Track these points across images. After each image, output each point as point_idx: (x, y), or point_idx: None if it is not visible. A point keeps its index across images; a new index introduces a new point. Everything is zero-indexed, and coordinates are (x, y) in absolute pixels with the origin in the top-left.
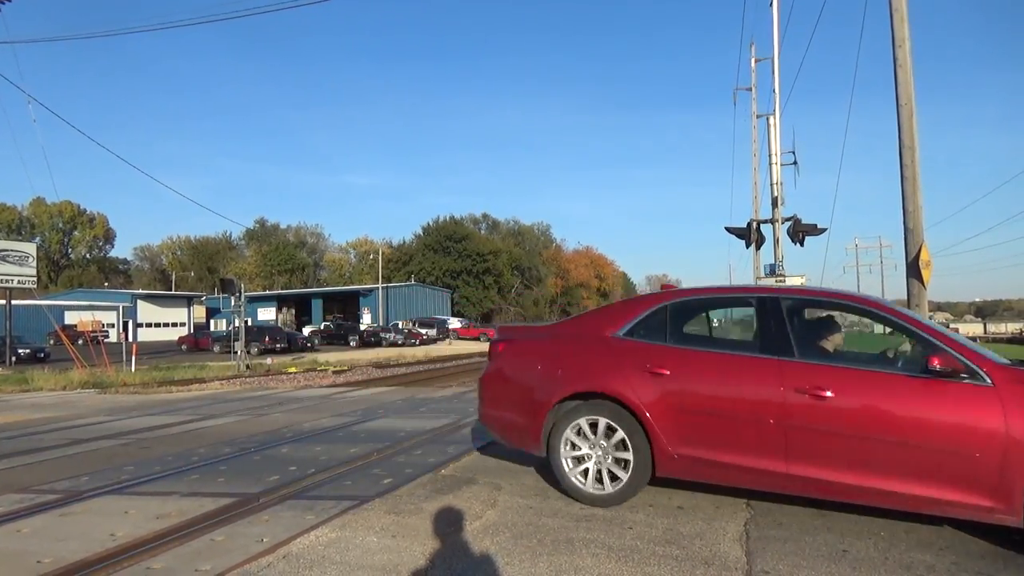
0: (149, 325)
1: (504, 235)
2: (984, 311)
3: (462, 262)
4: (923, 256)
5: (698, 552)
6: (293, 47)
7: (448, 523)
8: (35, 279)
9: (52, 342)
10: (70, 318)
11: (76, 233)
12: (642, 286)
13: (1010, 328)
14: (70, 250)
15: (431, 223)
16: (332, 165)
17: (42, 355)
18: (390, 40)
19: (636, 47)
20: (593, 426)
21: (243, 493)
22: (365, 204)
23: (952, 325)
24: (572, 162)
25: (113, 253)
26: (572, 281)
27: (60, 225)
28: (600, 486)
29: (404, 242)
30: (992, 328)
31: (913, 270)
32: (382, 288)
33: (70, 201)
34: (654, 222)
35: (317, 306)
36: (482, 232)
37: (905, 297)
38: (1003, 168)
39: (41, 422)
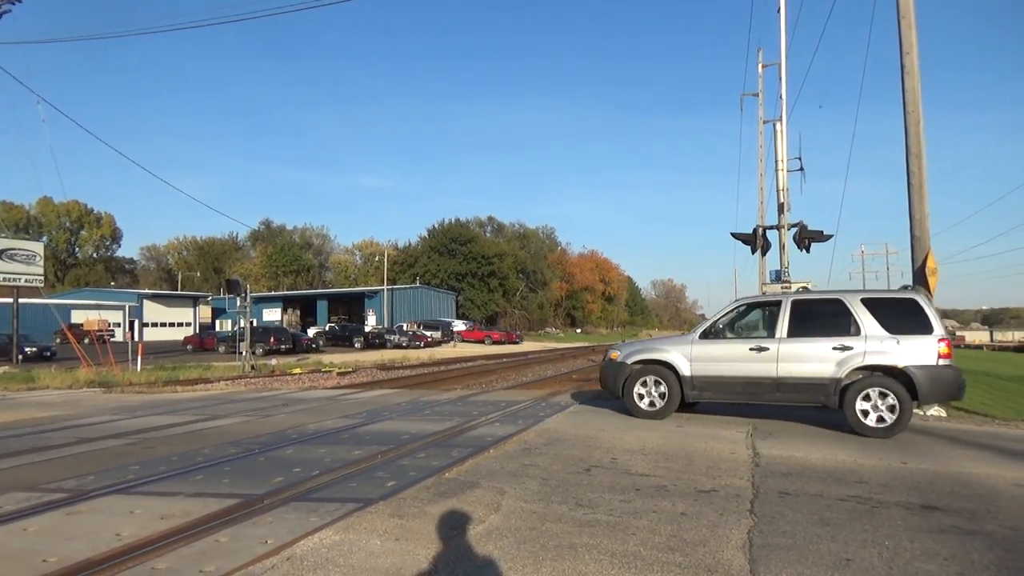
0: (155, 325)
1: (509, 238)
2: (991, 319)
3: (467, 265)
4: (930, 263)
5: (701, 559)
6: (304, 48)
7: (451, 527)
8: (42, 278)
9: (58, 341)
10: (76, 317)
11: (83, 232)
12: (647, 291)
13: (1016, 336)
14: (77, 249)
15: (436, 225)
16: (339, 166)
17: (48, 354)
18: (401, 42)
19: (645, 51)
20: None
21: (247, 494)
22: (371, 206)
23: (959, 333)
24: (578, 165)
25: (119, 253)
26: (577, 285)
27: (67, 224)
28: None
29: (409, 244)
30: (998, 336)
31: (920, 277)
32: (387, 290)
33: (77, 201)
34: (660, 226)
35: (322, 307)
36: (487, 235)
37: None
38: (1011, 176)
39: (47, 420)
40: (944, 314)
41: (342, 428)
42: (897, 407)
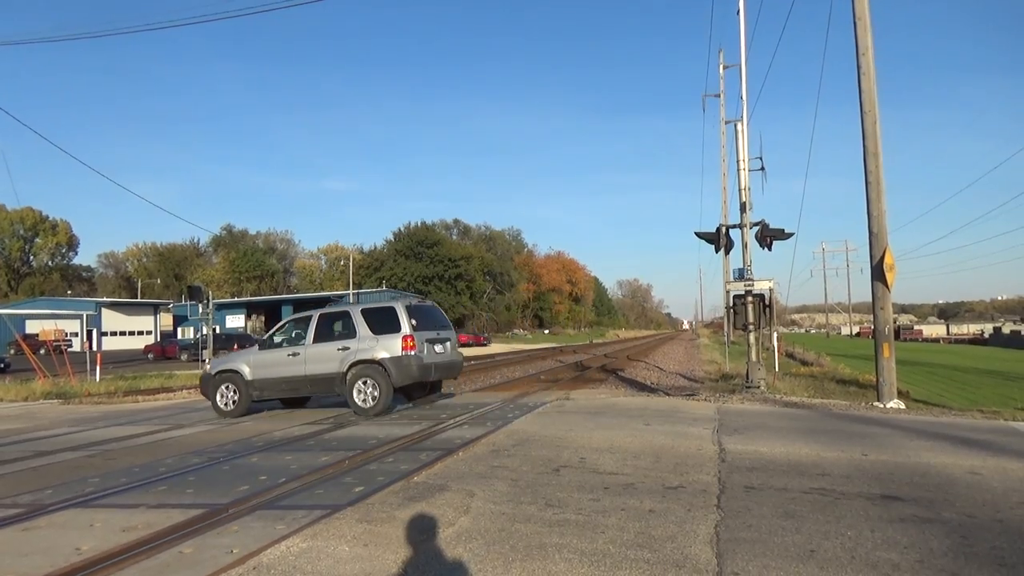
0: (114, 334)
1: (476, 240)
2: (947, 313)
3: (434, 268)
4: (887, 260)
5: (670, 555)
6: (270, 50)
7: (421, 531)
8: None
9: (13, 352)
10: (31, 327)
11: (38, 240)
12: (614, 291)
13: (971, 329)
14: (31, 257)
15: (402, 229)
16: (304, 170)
17: (2, 365)
18: (366, 46)
19: (611, 54)
20: None
21: (212, 504)
22: (337, 209)
23: (916, 327)
24: (544, 167)
25: (76, 260)
26: (544, 286)
27: (21, 232)
28: None
29: (375, 248)
30: (955, 329)
31: (878, 273)
32: (353, 294)
33: (31, 207)
34: (626, 227)
35: (287, 313)
36: (454, 237)
37: (870, 300)
38: (967, 173)
39: (1, 434)
40: (902, 308)
41: (309, 434)
42: (379, 390)
